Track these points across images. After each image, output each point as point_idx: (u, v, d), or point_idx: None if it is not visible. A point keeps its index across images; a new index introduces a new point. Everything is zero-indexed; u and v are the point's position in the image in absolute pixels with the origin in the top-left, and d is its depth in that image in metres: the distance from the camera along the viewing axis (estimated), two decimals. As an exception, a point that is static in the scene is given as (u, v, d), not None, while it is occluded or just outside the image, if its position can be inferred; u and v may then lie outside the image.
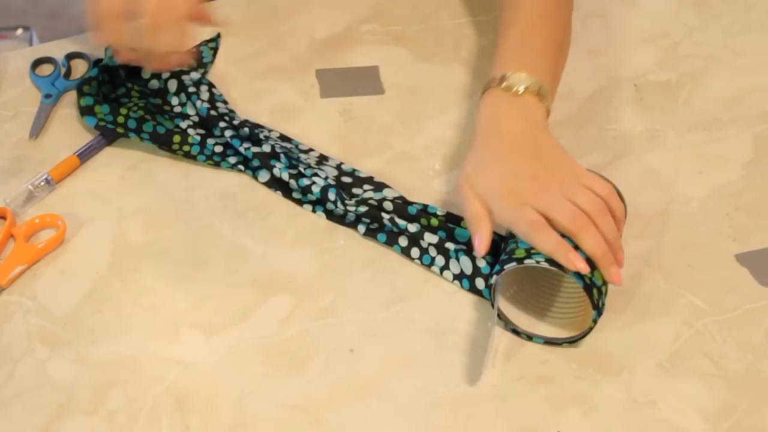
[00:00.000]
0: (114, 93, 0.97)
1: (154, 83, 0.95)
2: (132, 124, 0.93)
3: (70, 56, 1.04)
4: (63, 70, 1.02)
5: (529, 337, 0.79)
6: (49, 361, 0.79)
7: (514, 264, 0.76)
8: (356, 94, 1.00)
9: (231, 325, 0.81)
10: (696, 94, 1.00)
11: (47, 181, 0.91)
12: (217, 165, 0.92)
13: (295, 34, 1.06)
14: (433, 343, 0.80)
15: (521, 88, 0.81)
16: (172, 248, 0.87)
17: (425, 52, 1.05)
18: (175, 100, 0.95)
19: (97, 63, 0.98)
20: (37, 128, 0.96)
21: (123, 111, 0.94)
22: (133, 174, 0.93)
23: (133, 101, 0.95)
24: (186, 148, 0.92)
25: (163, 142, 0.92)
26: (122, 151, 0.95)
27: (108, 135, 0.94)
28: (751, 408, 0.75)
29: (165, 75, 0.95)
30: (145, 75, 0.96)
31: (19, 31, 1.94)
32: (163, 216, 0.89)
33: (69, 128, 0.97)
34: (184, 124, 0.93)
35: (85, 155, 0.94)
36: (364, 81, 1.01)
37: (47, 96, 0.99)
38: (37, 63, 1.03)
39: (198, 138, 0.92)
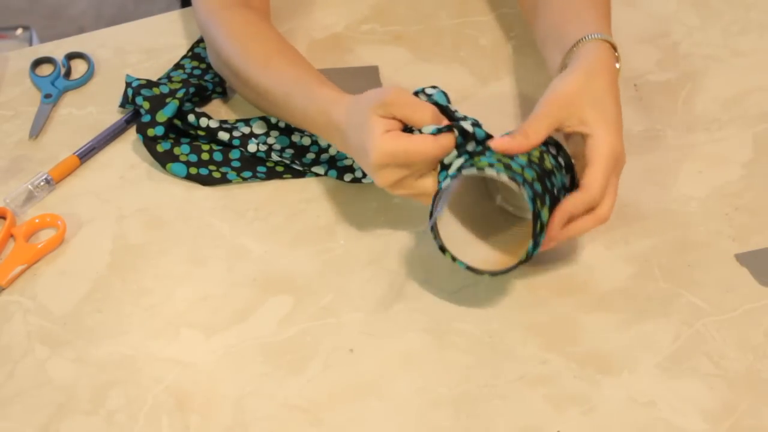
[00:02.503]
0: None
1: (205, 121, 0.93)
2: (218, 156, 0.92)
3: (70, 56, 1.04)
4: (63, 70, 1.02)
5: (453, 259, 0.78)
6: (49, 360, 0.79)
7: (473, 170, 0.74)
8: (356, 94, 1.00)
9: (231, 325, 0.81)
10: (696, 94, 1.00)
11: (47, 181, 0.91)
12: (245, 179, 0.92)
13: (295, 34, 1.06)
14: (433, 343, 0.80)
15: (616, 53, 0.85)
16: (172, 248, 0.87)
17: (425, 52, 1.05)
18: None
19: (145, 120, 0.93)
20: (37, 128, 0.96)
21: (205, 147, 0.93)
22: (133, 174, 0.93)
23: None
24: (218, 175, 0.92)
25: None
26: (122, 151, 0.95)
27: (204, 180, 0.91)
28: (751, 408, 0.75)
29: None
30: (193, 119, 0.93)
31: (19, 31, 1.94)
32: (163, 216, 0.89)
33: (69, 128, 0.97)
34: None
35: (85, 155, 0.94)
36: (364, 81, 1.01)
37: (47, 96, 0.99)
38: (37, 63, 1.03)
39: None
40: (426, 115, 0.77)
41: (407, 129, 0.78)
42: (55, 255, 0.86)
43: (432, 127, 0.77)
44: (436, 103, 0.81)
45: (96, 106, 0.99)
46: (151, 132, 0.91)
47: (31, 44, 1.91)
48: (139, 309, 0.82)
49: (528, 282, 0.84)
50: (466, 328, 0.80)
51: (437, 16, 1.09)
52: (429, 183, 0.78)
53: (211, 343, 0.80)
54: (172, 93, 0.93)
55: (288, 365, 0.78)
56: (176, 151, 0.91)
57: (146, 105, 0.92)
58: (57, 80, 1.01)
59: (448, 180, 0.76)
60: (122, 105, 0.97)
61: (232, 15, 0.93)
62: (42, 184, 0.90)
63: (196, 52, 1.02)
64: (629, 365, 0.78)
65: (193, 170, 0.91)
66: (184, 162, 0.91)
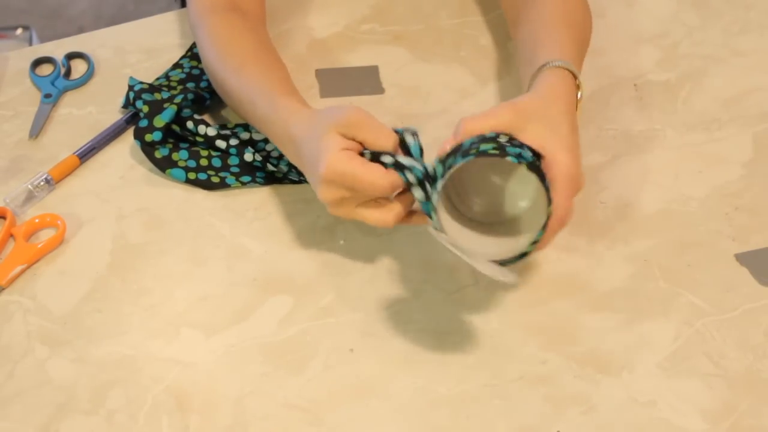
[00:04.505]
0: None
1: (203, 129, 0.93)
2: (217, 162, 0.92)
3: (70, 56, 1.04)
4: (63, 70, 1.02)
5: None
6: (49, 360, 0.79)
7: (491, 148, 0.73)
8: (356, 94, 1.00)
9: (230, 325, 0.81)
10: (696, 94, 1.00)
11: (47, 181, 0.91)
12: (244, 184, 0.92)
13: (295, 34, 1.06)
14: (433, 343, 0.80)
15: (581, 86, 0.84)
16: (172, 248, 0.87)
17: (425, 52, 1.05)
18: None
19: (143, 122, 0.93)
20: (37, 128, 0.96)
21: (204, 153, 0.92)
22: (133, 174, 0.93)
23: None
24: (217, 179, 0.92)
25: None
26: (122, 151, 0.95)
27: (206, 185, 0.91)
28: (751, 408, 0.75)
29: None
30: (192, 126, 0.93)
31: (19, 31, 1.94)
32: (163, 216, 0.89)
33: (69, 128, 0.97)
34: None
35: (85, 155, 0.94)
36: (363, 81, 1.01)
37: (47, 96, 0.99)
38: (37, 63, 1.03)
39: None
40: (388, 142, 0.77)
41: (363, 153, 0.77)
42: (55, 255, 0.86)
43: (390, 158, 0.76)
44: (407, 151, 0.79)
45: (96, 106, 0.99)
46: (148, 137, 0.91)
47: (31, 44, 1.91)
48: (138, 309, 0.82)
49: (528, 282, 0.84)
50: (466, 328, 0.80)
51: (437, 16, 1.09)
52: (367, 214, 0.77)
53: (211, 343, 0.80)
54: (171, 99, 0.93)
55: (288, 365, 0.78)
56: (174, 156, 0.91)
57: (145, 108, 0.92)
58: (57, 80, 1.01)
59: (458, 161, 0.74)
60: (124, 106, 0.97)
61: (217, 19, 0.93)
62: (42, 184, 0.90)
63: (195, 52, 1.02)
64: (629, 365, 0.78)
65: (192, 175, 0.91)
66: (182, 167, 0.91)
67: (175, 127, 0.92)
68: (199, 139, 0.92)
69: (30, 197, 0.90)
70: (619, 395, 0.76)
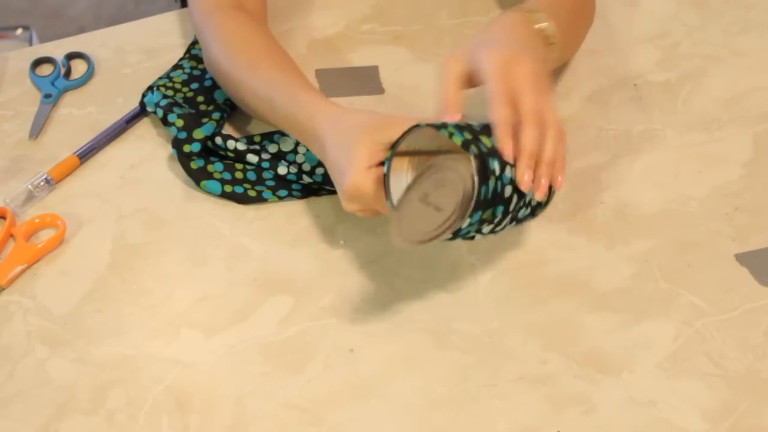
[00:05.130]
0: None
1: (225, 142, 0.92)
2: (252, 176, 0.91)
3: (70, 56, 1.04)
4: (63, 70, 1.02)
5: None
6: (49, 360, 0.79)
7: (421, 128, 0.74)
8: (356, 94, 1.00)
9: (231, 325, 0.81)
10: (696, 94, 1.00)
11: (47, 181, 0.91)
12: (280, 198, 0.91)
13: (295, 34, 1.06)
14: (433, 343, 0.80)
15: (543, 26, 0.85)
16: (172, 248, 0.87)
17: (425, 52, 1.05)
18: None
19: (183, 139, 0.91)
20: (37, 128, 0.96)
21: (239, 166, 0.91)
22: (133, 174, 0.93)
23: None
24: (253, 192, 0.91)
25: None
26: (122, 151, 0.95)
27: (238, 198, 0.90)
28: (751, 408, 0.75)
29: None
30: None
31: (19, 31, 1.94)
32: (163, 216, 0.89)
33: (69, 128, 0.97)
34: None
35: (85, 155, 0.94)
36: (363, 81, 1.01)
37: (47, 96, 0.99)
38: (37, 63, 1.03)
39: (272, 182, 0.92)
40: None
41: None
42: (55, 255, 0.86)
43: None
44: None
45: (96, 106, 0.99)
46: (186, 148, 0.89)
47: (31, 44, 1.91)
48: (138, 309, 0.82)
49: (528, 282, 0.84)
50: (466, 328, 0.80)
51: (437, 16, 1.09)
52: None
53: (211, 343, 0.80)
54: (207, 113, 0.92)
55: (288, 365, 0.78)
56: (210, 168, 0.90)
57: (180, 122, 0.91)
58: (57, 80, 1.01)
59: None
60: (166, 114, 0.94)
61: (223, 17, 0.93)
62: (42, 184, 0.90)
63: (194, 54, 1.02)
64: (629, 365, 0.78)
65: (228, 188, 0.89)
66: (218, 179, 0.90)
67: (208, 142, 0.91)
68: (229, 153, 0.91)
69: (30, 197, 0.90)
70: (619, 395, 0.76)
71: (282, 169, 0.90)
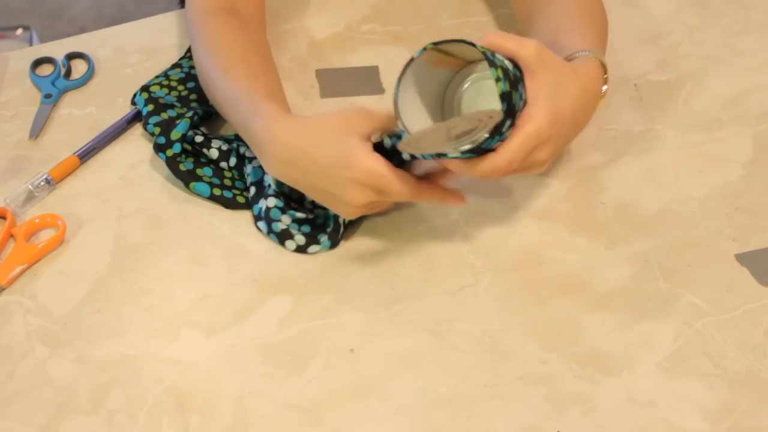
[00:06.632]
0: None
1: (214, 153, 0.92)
2: (240, 184, 0.91)
3: (70, 56, 1.04)
4: (63, 70, 1.02)
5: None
6: (49, 361, 0.79)
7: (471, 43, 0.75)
8: (356, 94, 1.00)
9: (231, 325, 0.81)
10: (696, 94, 1.00)
11: (47, 181, 0.91)
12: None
13: (295, 34, 1.07)
14: (433, 343, 0.80)
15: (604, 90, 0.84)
16: (172, 248, 0.87)
17: (425, 52, 1.04)
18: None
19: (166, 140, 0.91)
20: (37, 128, 0.96)
21: (228, 174, 0.91)
22: (133, 174, 0.93)
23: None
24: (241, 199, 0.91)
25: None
26: (122, 151, 0.95)
27: (227, 203, 0.90)
28: (751, 408, 0.75)
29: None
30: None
31: (19, 31, 1.95)
32: (163, 216, 0.89)
33: (69, 128, 0.97)
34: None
35: (85, 155, 0.94)
36: (363, 81, 1.01)
37: (47, 96, 0.99)
38: (37, 63, 1.03)
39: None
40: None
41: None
42: (55, 255, 0.86)
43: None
44: None
45: (96, 106, 0.99)
46: (169, 152, 0.90)
47: (31, 44, 1.91)
48: (139, 309, 0.82)
49: (528, 282, 0.84)
50: (466, 328, 0.80)
51: (438, 17, 1.09)
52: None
53: (211, 343, 0.80)
54: (181, 116, 0.92)
55: (288, 365, 0.78)
56: (199, 171, 0.90)
57: (157, 130, 0.91)
58: (57, 80, 1.01)
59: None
60: (145, 125, 0.95)
61: (210, 21, 0.93)
62: (42, 184, 0.90)
63: None
64: (629, 365, 0.78)
65: (217, 191, 0.89)
66: (207, 182, 0.90)
67: (187, 146, 0.91)
68: (210, 156, 0.91)
69: (30, 197, 0.90)
70: (620, 395, 0.76)
71: (249, 178, 0.90)
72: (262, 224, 0.87)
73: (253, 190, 0.89)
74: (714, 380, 0.77)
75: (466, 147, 0.73)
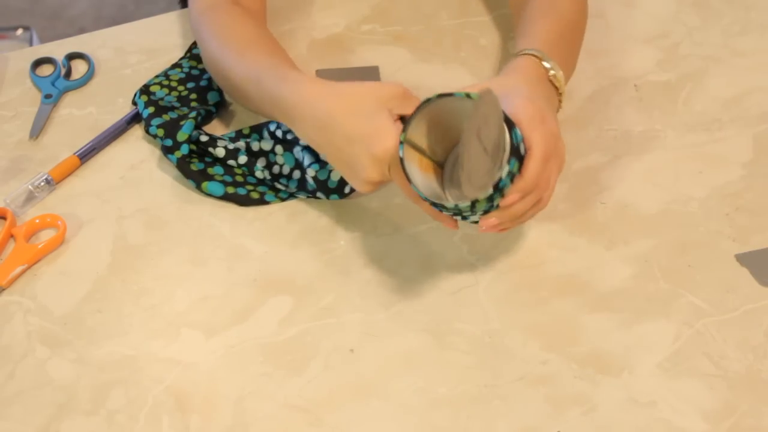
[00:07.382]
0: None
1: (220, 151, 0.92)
2: (252, 179, 0.91)
3: (70, 56, 1.04)
4: (63, 70, 1.02)
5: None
6: (49, 361, 0.79)
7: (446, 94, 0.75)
8: (356, 95, 1.00)
9: (231, 325, 0.81)
10: (696, 94, 1.00)
11: (47, 182, 0.91)
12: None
13: (295, 34, 1.07)
14: (433, 343, 0.80)
15: (559, 76, 0.85)
16: (172, 248, 0.87)
17: (425, 52, 1.05)
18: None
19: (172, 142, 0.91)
20: (37, 128, 0.96)
21: (238, 171, 0.91)
22: (133, 174, 0.93)
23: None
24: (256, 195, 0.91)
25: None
26: (122, 151, 0.95)
27: (242, 201, 0.90)
28: (751, 408, 0.75)
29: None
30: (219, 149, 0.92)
31: (19, 31, 1.95)
32: (163, 216, 0.89)
33: (69, 128, 0.97)
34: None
35: (85, 155, 0.94)
36: (364, 81, 1.01)
37: (47, 96, 0.99)
38: (37, 63, 1.03)
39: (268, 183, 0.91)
40: None
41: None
42: (55, 255, 0.86)
43: None
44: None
45: (96, 107, 0.99)
46: (178, 154, 0.90)
47: (31, 44, 1.91)
48: (139, 309, 0.82)
49: (528, 282, 0.84)
50: (466, 328, 0.80)
51: (438, 17, 1.09)
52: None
53: (211, 344, 0.80)
54: (184, 117, 0.92)
55: (288, 365, 0.78)
56: (210, 171, 0.90)
57: (161, 132, 0.91)
58: (57, 80, 1.01)
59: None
60: (147, 127, 0.95)
61: (217, 13, 0.94)
62: (42, 184, 0.90)
63: (195, 53, 1.02)
64: (629, 365, 0.78)
65: (230, 189, 0.89)
66: (220, 181, 0.90)
67: (193, 146, 0.91)
68: (216, 156, 0.91)
69: (30, 197, 0.90)
70: (620, 396, 0.76)
71: (259, 173, 0.90)
72: (334, 197, 0.87)
73: (297, 173, 0.89)
74: (714, 380, 0.77)
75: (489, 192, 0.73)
